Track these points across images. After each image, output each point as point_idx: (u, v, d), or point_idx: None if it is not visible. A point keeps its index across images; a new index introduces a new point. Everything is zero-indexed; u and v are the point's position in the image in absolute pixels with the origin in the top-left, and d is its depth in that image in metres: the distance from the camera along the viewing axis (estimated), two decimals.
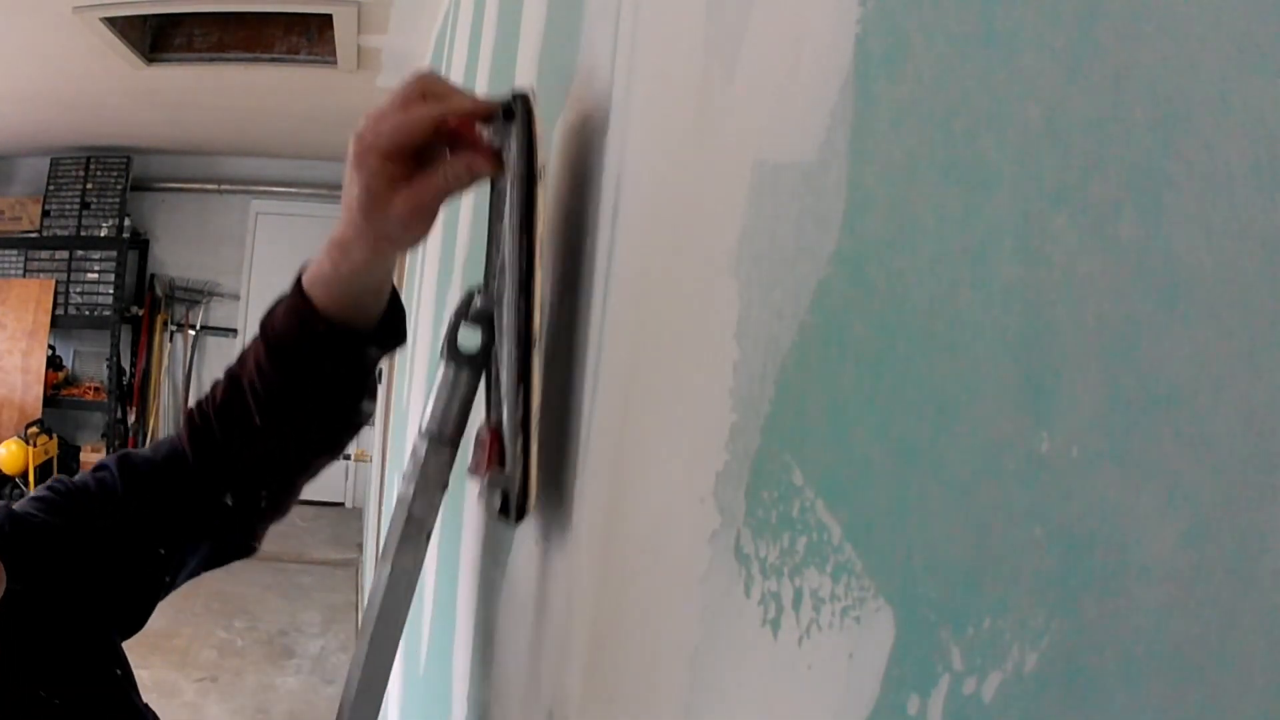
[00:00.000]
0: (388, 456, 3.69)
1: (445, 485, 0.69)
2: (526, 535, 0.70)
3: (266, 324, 0.70)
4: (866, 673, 0.25)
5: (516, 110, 0.59)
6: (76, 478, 0.74)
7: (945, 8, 0.26)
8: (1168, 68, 0.18)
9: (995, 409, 0.22)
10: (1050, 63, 0.21)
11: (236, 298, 6.09)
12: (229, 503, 0.73)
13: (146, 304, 5.97)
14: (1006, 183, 0.22)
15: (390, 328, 0.71)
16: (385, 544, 0.69)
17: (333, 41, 3.39)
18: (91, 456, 5.72)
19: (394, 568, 0.67)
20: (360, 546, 5.32)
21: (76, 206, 5.62)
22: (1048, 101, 0.21)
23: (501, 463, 0.62)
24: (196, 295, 6.06)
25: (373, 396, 0.74)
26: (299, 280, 0.68)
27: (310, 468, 0.76)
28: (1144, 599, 0.17)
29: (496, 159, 0.61)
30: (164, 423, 6.05)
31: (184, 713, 3.55)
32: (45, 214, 5.62)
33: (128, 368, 5.93)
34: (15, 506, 0.70)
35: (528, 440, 0.60)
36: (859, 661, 0.26)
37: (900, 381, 0.26)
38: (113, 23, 3.20)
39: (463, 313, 0.67)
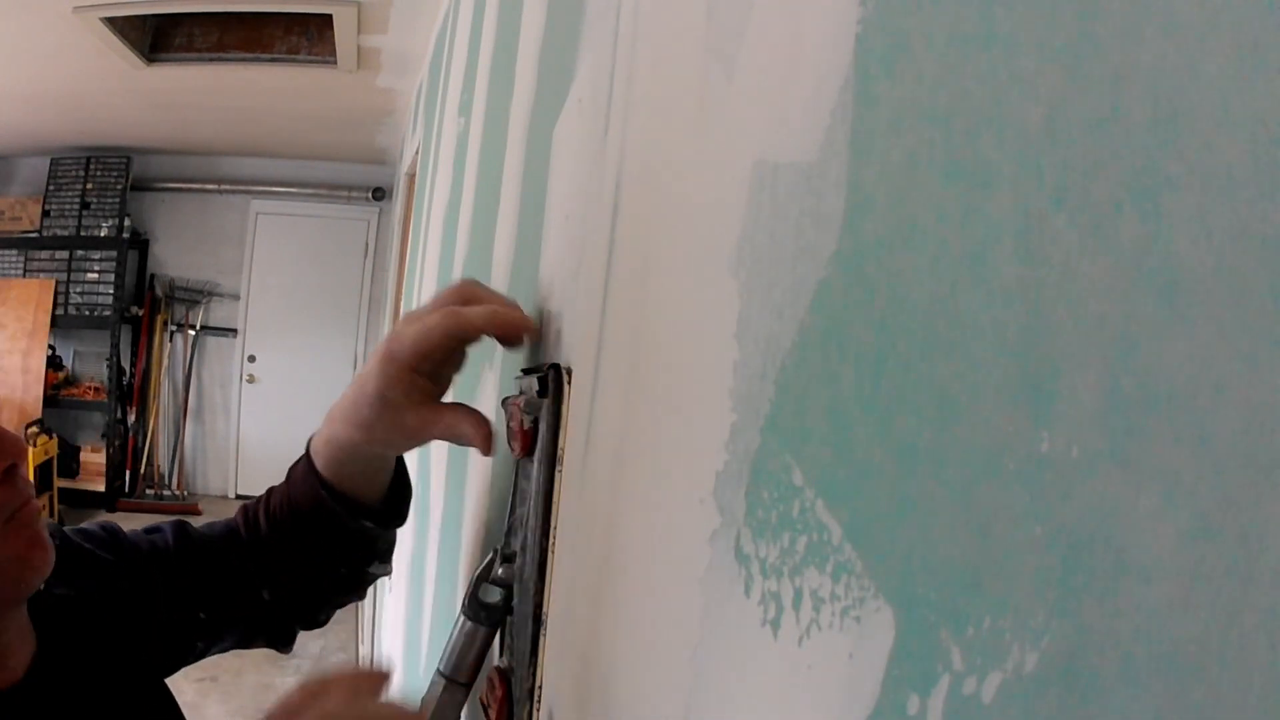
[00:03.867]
0: None
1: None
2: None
3: (291, 472, 0.75)
4: (866, 673, 0.25)
5: (549, 386, 0.59)
6: (127, 531, 0.77)
7: (945, 8, 0.26)
8: (1168, 68, 0.18)
9: (995, 409, 0.22)
10: (1050, 63, 0.21)
11: (236, 298, 6.09)
12: (265, 597, 0.77)
13: (146, 304, 5.97)
14: (1006, 183, 0.22)
15: (393, 507, 0.76)
16: None
17: (333, 41, 3.39)
18: (92, 457, 5.72)
19: None
20: None
21: (76, 206, 5.62)
22: (1048, 101, 0.21)
23: (510, 717, 0.66)
24: (196, 295, 6.06)
25: (384, 560, 0.78)
26: (310, 441, 0.73)
27: (331, 601, 0.81)
28: (1144, 599, 0.17)
29: (489, 438, 0.64)
30: (164, 423, 6.05)
31: (184, 713, 3.55)
32: (45, 214, 5.62)
33: (128, 368, 5.93)
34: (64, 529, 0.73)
35: (532, 710, 0.62)
36: (859, 661, 0.26)
37: (900, 381, 0.26)
38: (113, 23, 3.20)
39: (484, 576, 0.69)
